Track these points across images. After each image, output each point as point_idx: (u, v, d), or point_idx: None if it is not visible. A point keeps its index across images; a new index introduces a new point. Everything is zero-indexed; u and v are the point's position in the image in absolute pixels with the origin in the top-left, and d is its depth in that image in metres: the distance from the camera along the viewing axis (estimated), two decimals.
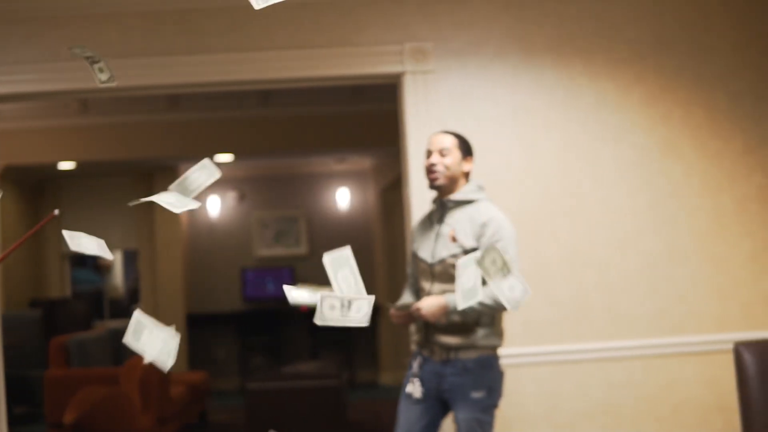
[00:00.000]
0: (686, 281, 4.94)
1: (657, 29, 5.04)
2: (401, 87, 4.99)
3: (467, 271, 1.95)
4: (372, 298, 1.72)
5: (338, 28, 4.98)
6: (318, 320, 1.68)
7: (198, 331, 10.97)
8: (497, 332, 3.76)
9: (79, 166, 9.81)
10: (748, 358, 3.69)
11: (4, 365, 4.91)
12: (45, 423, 6.84)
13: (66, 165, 9.73)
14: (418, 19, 4.97)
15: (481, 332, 3.69)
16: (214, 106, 8.52)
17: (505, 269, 1.92)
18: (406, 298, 3.98)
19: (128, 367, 6.67)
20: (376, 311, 2.11)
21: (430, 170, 3.84)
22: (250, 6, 1.59)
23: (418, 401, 3.81)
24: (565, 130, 4.97)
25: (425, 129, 4.73)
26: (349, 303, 1.70)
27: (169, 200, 1.92)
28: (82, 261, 11.73)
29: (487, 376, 3.72)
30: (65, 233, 1.97)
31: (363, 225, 11.31)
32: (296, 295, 1.82)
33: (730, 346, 3.83)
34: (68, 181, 11.17)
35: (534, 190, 4.93)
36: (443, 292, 3.70)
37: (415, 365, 3.85)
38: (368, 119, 8.62)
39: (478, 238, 3.70)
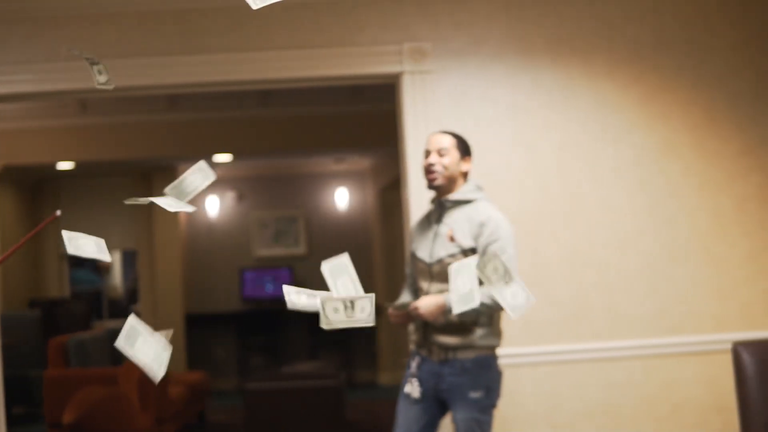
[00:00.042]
0: (685, 281, 4.94)
1: (656, 29, 5.05)
2: (400, 87, 4.99)
3: (462, 276, 1.95)
4: (372, 296, 1.72)
5: (337, 28, 4.98)
6: (324, 325, 1.68)
7: (197, 331, 10.97)
8: (495, 332, 3.76)
9: (78, 166, 9.81)
10: (746, 358, 3.69)
11: (3, 365, 4.91)
12: (44, 423, 6.84)
13: (65, 165, 9.73)
14: (416, 20, 4.97)
15: (479, 332, 3.69)
16: (213, 106, 8.51)
17: (507, 276, 1.92)
18: (405, 298, 3.98)
19: (127, 367, 6.67)
20: (376, 311, 2.11)
21: (428, 170, 3.84)
22: (249, 6, 1.59)
23: (416, 401, 3.81)
24: (564, 130, 4.97)
25: (424, 129, 4.73)
26: (352, 304, 1.70)
27: (165, 202, 1.93)
28: (81, 261, 11.73)
29: (486, 376, 3.71)
30: (64, 234, 1.97)
31: (362, 225, 11.31)
32: (295, 300, 1.82)
33: (729, 346, 3.84)
34: (67, 181, 11.17)
35: (533, 190, 4.93)
36: (441, 291, 3.70)
37: (414, 365, 3.85)
38: (367, 119, 8.62)
39: (476, 237, 3.70)
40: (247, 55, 4.99)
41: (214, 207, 11.36)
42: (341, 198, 11.39)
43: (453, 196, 3.82)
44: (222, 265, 11.32)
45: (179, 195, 1.96)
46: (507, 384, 4.03)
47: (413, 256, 3.97)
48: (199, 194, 1.96)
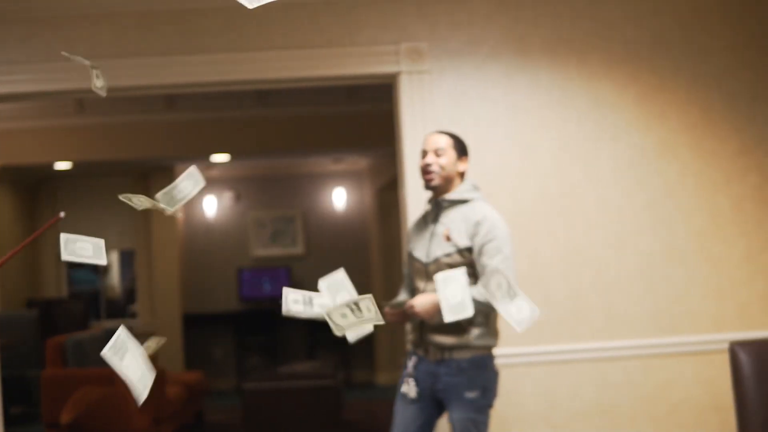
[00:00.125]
0: (683, 281, 4.95)
1: (653, 29, 5.05)
2: (397, 87, 4.99)
3: (450, 287, 1.96)
4: (371, 296, 1.73)
5: (335, 28, 4.98)
6: (338, 332, 1.69)
7: (195, 331, 10.97)
8: (492, 332, 3.76)
9: (76, 166, 9.81)
10: (743, 357, 3.69)
11: (0, 365, 4.91)
12: (42, 423, 6.83)
13: (62, 165, 9.72)
14: (414, 20, 4.98)
15: (475, 332, 3.69)
16: (210, 106, 8.51)
17: (511, 292, 1.93)
18: (402, 297, 3.98)
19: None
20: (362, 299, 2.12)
21: (425, 170, 3.84)
22: (246, 6, 1.59)
23: (413, 401, 3.81)
24: (562, 130, 4.97)
25: (421, 129, 4.74)
26: (357, 305, 1.72)
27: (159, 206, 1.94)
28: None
29: (482, 376, 3.71)
30: (62, 237, 1.97)
31: (359, 225, 11.31)
32: (292, 307, 1.82)
33: (726, 346, 3.84)
34: (65, 181, 11.16)
35: (530, 190, 4.93)
36: None
37: (410, 365, 3.85)
38: (365, 119, 8.62)
39: (472, 237, 3.70)
40: (245, 55, 5.00)
41: (211, 207, 11.36)
42: (339, 198, 11.39)
43: (449, 195, 3.82)
44: (220, 265, 11.32)
45: (170, 201, 1.98)
46: (505, 384, 4.03)
47: (410, 256, 3.97)
48: (195, 196, 1.97)
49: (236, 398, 9.07)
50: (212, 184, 11.32)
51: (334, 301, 1.72)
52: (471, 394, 3.67)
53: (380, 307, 3.77)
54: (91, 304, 11.34)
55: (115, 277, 11.81)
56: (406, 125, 4.92)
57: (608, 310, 4.91)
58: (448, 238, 3.74)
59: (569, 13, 5.03)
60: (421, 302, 3.61)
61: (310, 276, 11.16)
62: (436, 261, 3.76)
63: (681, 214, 4.98)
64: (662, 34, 5.05)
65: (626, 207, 4.96)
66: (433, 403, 3.80)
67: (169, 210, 1.92)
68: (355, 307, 1.72)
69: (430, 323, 3.70)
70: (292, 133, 8.94)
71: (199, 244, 11.34)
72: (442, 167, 3.81)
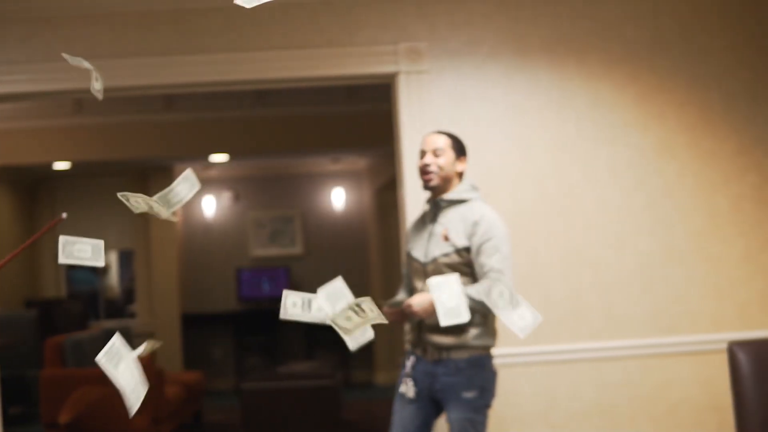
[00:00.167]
0: (681, 281, 4.95)
1: (651, 29, 5.05)
2: (396, 87, 4.99)
3: (443, 292, 1.96)
4: (369, 298, 1.74)
5: (333, 28, 4.98)
6: (352, 343, 1.71)
7: (193, 331, 10.97)
8: (490, 332, 3.76)
9: (74, 166, 9.81)
10: (742, 357, 3.70)
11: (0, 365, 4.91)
12: (40, 423, 6.83)
13: (61, 165, 9.72)
14: (413, 20, 4.98)
15: (473, 332, 3.69)
16: (209, 106, 8.51)
17: (513, 300, 1.93)
18: (400, 297, 3.99)
19: None
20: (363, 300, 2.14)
21: (423, 171, 3.84)
22: (245, 6, 1.59)
23: (411, 401, 3.81)
24: (560, 130, 4.98)
25: (420, 129, 4.74)
26: (360, 306, 1.72)
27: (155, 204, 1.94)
28: None
29: (480, 376, 3.71)
30: (60, 240, 1.97)
31: (358, 225, 11.32)
32: (291, 310, 1.82)
33: (725, 346, 3.85)
34: (63, 181, 11.16)
35: (529, 190, 4.93)
36: None
37: (408, 365, 3.85)
38: (363, 119, 8.63)
39: (470, 236, 3.70)
40: (244, 55, 5.00)
41: (210, 207, 11.36)
42: (338, 198, 11.39)
43: (448, 195, 3.82)
44: (219, 265, 11.32)
45: (166, 204, 1.98)
46: (503, 384, 4.03)
47: (409, 256, 3.97)
48: (192, 197, 1.97)
49: (235, 398, 9.08)
50: (211, 184, 11.32)
51: (334, 310, 1.72)
52: (469, 394, 3.67)
53: (379, 307, 3.77)
54: (90, 304, 11.34)
55: (114, 277, 11.81)
56: (405, 125, 4.92)
57: (607, 310, 4.91)
58: (447, 238, 3.74)
59: (568, 13, 5.03)
60: (418, 301, 3.61)
61: (309, 276, 11.18)
62: (434, 261, 3.76)
63: (680, 214, 4.98)
64: (661, 35, 5.06)
65: (625, 207, 4.96)
66: (431, 403, 3.80)
67: (164, 214, 1.92)
68: (357, 308, 1.72)
69: (428, 323, 3.70)
70: (291, 133, 8.94)
71: (198, 244, 11.35)
72: (440, 167, 3.81)
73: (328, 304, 1.73)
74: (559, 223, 4.93)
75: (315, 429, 6.99)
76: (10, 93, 5.10)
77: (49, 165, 9.70)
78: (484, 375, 3.73)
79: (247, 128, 8.88)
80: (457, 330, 3.67)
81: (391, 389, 4.03)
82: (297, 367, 7.85)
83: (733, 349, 3.74)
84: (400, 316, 3.74)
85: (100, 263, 2.02)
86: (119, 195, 1.98)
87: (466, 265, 3.70)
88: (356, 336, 1.75)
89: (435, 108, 4.92)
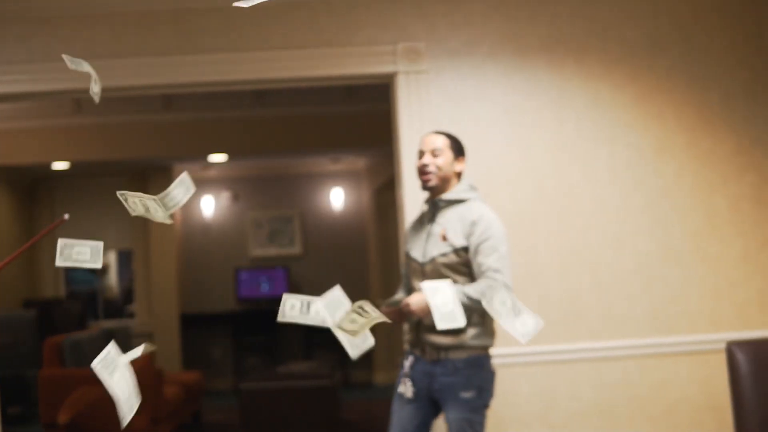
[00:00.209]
0: (679, 281, 4.95)
1: (650, 29, 5.06)
2: (394, 87, 4.99)
3: (438, 297, 1.96)
4: (366, 301, 1.75)
5: (332, 28, 4.99)
6: (351, 335, 1.72)
7: (192, 331, 10.98)
8: (488, 332, 3.76)
9: (73, 166, 9.81)
10: (740, 357, 3.70)
11: None
12: (39, 423, 6.83)
13: (60, 165, 9.72)
14: (411, 20, 4.98)
15: (471, 332, 3.69)
16: (208, 106, 8.52)
17: (516, 308, 1.93)
18: (398, 296, 3.99)
19: None
20: (365, 303, 2.16)
21: (422, 171, 3.84)
22: (244, 6, 1.59)
23: (410, 401, 3.81)
24: (559, 130, 4.98)
25: (418, 129, 4.74)
26: (362, 308, 1.73)
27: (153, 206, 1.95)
28: None
29: (478, 376, 3.71)
30: (59, 242, 1.98)
31: (357, 225, 11.32)
32: (288, 313, 1.83)
33: (723, 346, 3.85)
34: (62, 181, 11.16)
35: (527, 190, 4.94)
36: None
37: (407, 365, 3.85)
38: (362, 119, 8.63)
39: (468, 236, 3.70)
40: (243, 55, 5.00)
41: (209, 207, 11.36)
42: (336, 198, 11.39)
43: (446, 195, 3.82)
44: (217, 265, 11.32)
45: (162, 208, 1.99)
46: (502, 384, 4.03)
47: (407, 256, 3.98)
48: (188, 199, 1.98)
49: (234, 398, 9.08)
50: (210, 184, 11.32)
51: (334, 318, 1.73)
52: (467, 394, 3.67)
53: (377, 307, 3.78)
54: (89, 304, 11.35)
55: (113, 277, 11.82)
56: (404, 125, 4.93)
57: (605, 310, 4.91)
58: (445, 238, 3.74)
59: (567, 13, 5.04)
60: (416, 300, 3.61)
61: (308, 276, 11.17)
62: (433, 261, 3.76)
63: (678, 214, 4.99)
64: (660, 35, 5.06)
65: (623, 207, 4.97)
66: (429, 403, 3.81)
67: (160, 217, 1.93)
68: (360, 310, 1.73)
69: (426, 322, 3.70)
70: (290, 133, 8.94)
71: (196, 244, 11.35)
72: (439, 168, 3.81)
73: (327, 313, 1.73)
74: (558, 223, 4.94)
75: (314, 429, 6.99)
76: (9, 93, 5.10)
77: (48, 165, 9.70)
78: (482, 375, 3.73)
79: (246, 128, 8.89)
80: (456, 330, 3.67)
81: (390, 389, 4.03)
82: (296, 367, 7.85)
83: (732, 349, 3.74)
84: (398, 315, 3.74)
85: (97, 265, 2.03)
86: (118, 194, 1.98)
87: (464, 265, 3.71)
88: (357, 343, 1.75)
89: (434, 108, 4.92)
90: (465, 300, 3.54)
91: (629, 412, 4.89)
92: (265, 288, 11.14)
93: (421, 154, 3.86)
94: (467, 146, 4.00)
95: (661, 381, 4.91)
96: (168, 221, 1.94)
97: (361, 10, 4.99)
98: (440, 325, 1.95)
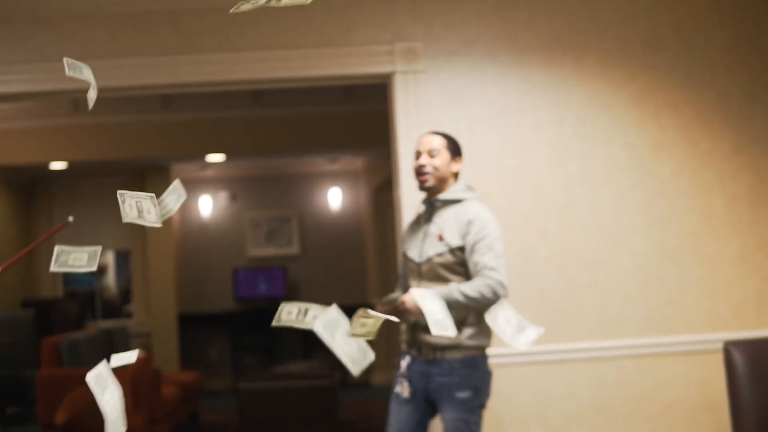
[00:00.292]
0: (677, 281, 4.96)
1: (647, 29, 5.06)
2: (392, 87, 5.00)
3: (429, 303, 1.97)
4: (364, 309, 1.76)
5: (329, 28, 4.99)
6: (354, 369, 1.74)
7: (190, 331, 10.97)
8: (485, 332, 3.75)
9: (71, 166, 9.80)
10: (737, 357, 3.71)
11: None
12: (37, 423, 6.83)
13: (58, 165, 9.72)
14: (409, 20, 4.99)
15: (467, 332, 3.69)
16: (206, 106, 8.52)
17: (521, 325, 1.93)
18: (394, 295, 3.99)
19: (120, 367, 6.65)
20: (366, 309, 2.18)
21: (419, 172, 3.85)
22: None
23: (406, 401, 3.81)
24: (556, 130, 4.98)
25: (416, 129, 4.74)
26: (366, 312, 1.74)
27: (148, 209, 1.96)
28: None
29: (474, 376, 3.71)
30: (56, 249, 2.00)
31: (355, 225, 11.32)
32: (284, 318, 1.83)
33: (720, 346, 3.86)
34: (60, 181, 11.16)
35: (525, 190, 4.94)
36: None
37: (404, 365, 3.85)
38: (360, 119, 8.63)
39: (464, 236, 3.70)
40: (240, 55, 5.00)
41: (207, 207, 11.36)
42: (334, 198, 11.39)
43: (442, 195, 3.82)
44: (215, 265, 11.32)
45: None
46: (499, 384, 4.04)
47: (405, 256, 3.98)
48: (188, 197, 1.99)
49: (232, 398, 9.08)
50: (208, 184, 11.32)
51: (333, 339, 1.74)
52: (462, 394, 3.68)
53: (373, 306, 3.78)
54: (87, 304, 11.34)
55: (110, 278, 11.81)
56: (401, 125, 4.93)
57: (603, 310, 4.92)
58: (441, 238, 3.75)
59: (564, 13, 5.04)
60: (411, 299, 3.61)
61: (305, 276, 11.18)
62: (429, 261, 3.77)
63: (675, 214, 4.99)
64: (657, 35, 5.07)
65: (621, 207, 4.97)
66: (426, 403, 3.81)
67: (151, 221, 1.93)
68: (365, 314, 1.75)
69: (423, 322, 3.69)
70: (288, 133, 8.94)
71: (194, 244, 11.34)
72: (436, 168, 3.81)
73: (326, 333, 1.74)
74: (555, 223, 4.94)
75: (312, 429, 6.99)
76: (8, 93, 5.10)
77: (47, 165, 9.70)
78: (478, 375, 3.73)
79: (245, 128, 8.89)
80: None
81: (388, 389, 4.03)
82: (294, 367, 7.85)
83: (729, 349, 3.75)
84: (394, 314, 3.74)
85: (93, 268, 2.04)
86: (119, 194, 1.98)
87: (461, 265, 3.71)
88: (358, 360, 1.76)
89: (431, 108, 4.92)
90: (461, 298, 3.54)
91: (626, 411, 4.89)
92: (262, 288, 11.14)
93: (418, 154, 3.87)
94: (465, 146, 4.00)
95: (659, 381, 4.92)
96: (158, 225, 1.95)
97: (358, 10, 4.99)
98: (434, 330, 1.96)
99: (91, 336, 7.59)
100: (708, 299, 4.96)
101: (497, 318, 1.94)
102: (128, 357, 1.83)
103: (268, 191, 11.47)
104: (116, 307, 11.68)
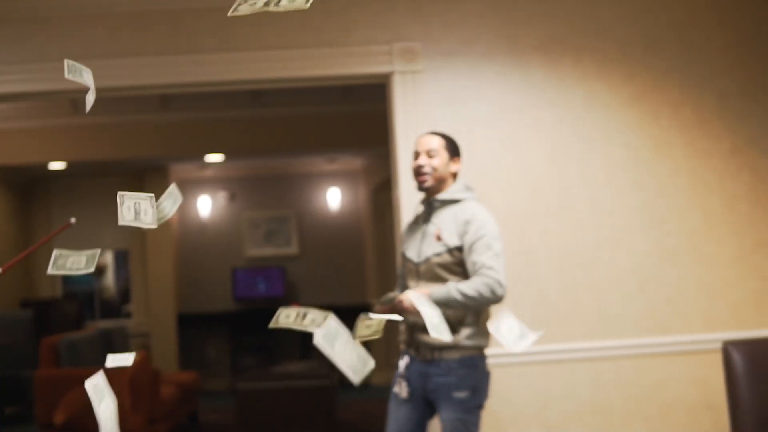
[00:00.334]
0: (675, 281, 4.96)
1: (646, 29, 5.06)
2: (390, 87, 5.00)
3: (425, 308, 1.97)
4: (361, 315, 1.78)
5: (328, 28, 4.99)
6: (357, 377, 1.75)
7: (189, 331, 10.97)
8: (483, 332, 3.75)
9: (70, 166, 9.80)
10: (736, 357, 3.71)
11: None
12: (36, 423, 6.83)
13: (56, 165, 9.71)
14: (407, 20, 4.99)
15: (465, 332, 3.69)
16: (204, 106, 8.51)
17: (523, 333, 1.94)
18: (392, 294, 3.99)
19: (118, 367, 6.65)
20: (367, 312, 2.20)
21: (417, 172, 3.84)
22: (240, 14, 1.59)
23: (405, 401, 3.81)
24: (554, 129, 4.98)
25: (414, 129, 4.74)
26: (367, 316, 1.76)
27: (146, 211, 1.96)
28: None
29: (472, 376, 3.71)
30: (54, 252, 2.01)
31: (354, 225, 11.32)
32: (282, 321, 1.83)
33: (719, 346, 3.86)
34: (59, 181, 11.15)
35: (523, 190, 4.94)
36: None
37: (402, 365, 3.85)
38: (359, 119, 8.63)
39: (462, 235, 3.70)
40: (239, 55, 5.00)
41: (206, 207, 11.36)
42: (333, 198, 11.39)
43: (441, 195, 3.82)
44: (214, 265, 11.32)
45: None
46: (498, 384, 4.03)
47: (403, 257, 3.98)
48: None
49: (230, 398, 9.07)
50: (206, 184, 11.32)
51: (333, 350, 1.74)
52: (460, 394, 3.67)
53: (371, 305, 3.78)
54: (86, 304, 11.34)
55: (109, 278, 11.80)
56: (400, 125, 4.93)
57: (601, 310, 4.92)
58: (439, 238, 3.74)
59: (563, 13, 5.04)
60: (408, 298, 3.60)
61: (304, 276, 11.17)
62: (427, 261, 3.76)
63: (673, 214, 4.99)
64: (656, 35, 5.07)
65: (619, 207, 4.97)
66: (424, 403, 3.81)
67: (147, 223, 1.94)
68: (365, 317, 1.76)
69: (419, 321, 3.69)
70: (287, 133, 8.94)
71: (193, 244, 11.35)
72: (434, 168, 3.81)
73: (326, 344, 1.74)
74: (554, 223, 4.94)
75: (311, 429, 6.99)
76: (6, 93, 5.09)
77: (45, 165, 9.69)
78: (476, 375, 3.73)
79: (243, 128, 8.89)
80: (450, 330, 3.66)
81: (387, 389, 4.03)
82: (292, 367, 7.85)
83: (728, 349, 3.75)
84: (393, 312, 3.74)
85: (90, 270, 2.04)
86: (119, 195, 1.98)
87: (459, 265, 3.71)
88: (358, 369, 1.76)
89: (430, 108, 4.92)
90: (459, 297, 3.54)
91: (625, 411, 4.89)
92: (261, 288, 11.14)
93: (417, 155, 3.87)
94: (463, 146, 4.00)
95: (657, 381, 4.92)
96: (153, 226, 1.95)
97: (357, 11, 4.99)
98: (431, 333, 1.97)
99: (89, 336, 7.59)
100: (707, 299, 4.96)
101: (500, 326, 1.95)
102: (124, 359, 1.84)
103: (267, 191, 11.47)
104: (115, 307, 11.67)
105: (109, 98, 6.95)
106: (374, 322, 1.75)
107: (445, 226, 3.75)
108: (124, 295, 11.61)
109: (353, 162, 11.15)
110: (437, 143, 3.85)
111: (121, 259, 11.59)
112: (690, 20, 5.09)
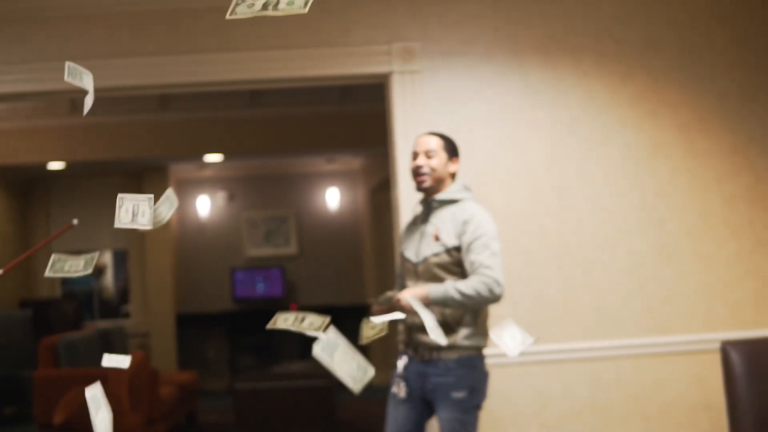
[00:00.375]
0: (674, 281, 4.96)
1: (645, 29, 5.07)
2: (389, 87, 5.00)
3: (425, 311, 1.98)
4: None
5: (327, 28, 4.99)
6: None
7: (188, 331, 10.97)
8: (481, 332, 3.75)
9: (69, 166, 9.80)
10: (735, 357, 3.71)
11: None
12: (35, 423, 6.83)
13: (55, 165, 9.71)
14: (406, 20, 4.98)
15: (463, 332, 3.69)
16: (203, 106, 8.51)
17: (525, 339, 1.95)
18: (390, 294, 3.98)
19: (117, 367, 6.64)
20: (365, 312, 2.19)
21: (416, 173, 3.85)
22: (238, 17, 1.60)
23: (403, 401, 3.81)
24: (553, 129, 4.98)
25: (413, 129, 4.74)
26: (368, 318, 1.76)
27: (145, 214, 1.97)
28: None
29: (470, 376, 3.71)
30: (53, 256, 2.02)
31: (352, 225, 11.32)
32: (280, 323, 1.84)
33: (718, 346, 3.86)
34: (58, 181, 11.15)
35: (522, 190, 4.94)
36: None
37: (400, 365, 3.85)
38: (358, 119, 8.64)
39: (460, 235, 3.70)
40: (237, 55, 5.00)
41: (204, 207, 11.36)
42: (332, 198, 11.39)
43: (439, 196, 3.82)
44: (213, 265, 11.31)
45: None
46: (497, 384, 4.03)
47: (402, 257, 3.98)
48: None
49: (229, 398, 9.07)
50: (205, 184, 11.32)
51: (332, 360, 1.75)
52: (458, 395, 3.67)
53: (369, 305, 3.78)
54: (85, 304, 11.33)
55: (108, 278, 11.80)
56: (399, 125, 4.93)
57: (600, 310, 4.92)
58: (437, 238, 3.75)
59: (562, 13, 5.04)
60: (406, 297, 3.60)
61: (303, 276, 11.17)
62: (425, 261, 3.77)
63: (672, 214, 4.99)
64: (655, 35, 5.07)
65: (618, 206, 4.97)
66: (423, 403, 3.81)
67: (144, 224, 1.94)
68: (368, 320, 1.77)
69: (417, 321, 3.69)
70: (285, 132, 8.95)
71: (192, 244, 11.34)
72: (433, 169, 3.81)
73: (325, 355, 1.75)
74: (552, 223, 4.94)
75: (310, 429, 6.99)
76: (6, 93, 5.09)
77: (44, 165, 9.69)
78: (474, 375, 3.73)
79: (242, 128, 8.89)
80: (448, 330, 3.67)
81: (386, 389, 4.04)
82: (291, 367, 7.85)
83: (727, 349, 3.75)
84: (393, 311, 3.74)
85: (88, 272, 2.05)
86: (119, 197, 1.99)
87: (457, 265, 3.71)
88: (358, 377, 1.77)
89: (428, 108, 4.92)
90: (457, 296, 3.54)
91: (624, 411, 4.89)
92: (260, 288, 11.14)
93: (415, 155, 3.87)
94: (462, 146, 4.00)
95: (656, 380, 4.92)
96: (148, 227, 1.96)
97: (356, 11, 4.99)
98: (432, 335, 1.98)
99: (88, 336, 7.58)
100: (705, 299, 4.96)
101: (503, 334, 1.96)
102: (121, 361, 1.85)
103: (266, 191, 11.47)
104: (114, 307, 11.67)
105: (109, 98, 6.95)
106: (378, 324, 1.76)
107: (444, 227, 3.76)
108: (123, 295, 11.61)
109: (352, 162, 11.15)
110: (436, 143, 3.85)
111: (120, 259, 11.59)
112: (689, 20, 5.09)
